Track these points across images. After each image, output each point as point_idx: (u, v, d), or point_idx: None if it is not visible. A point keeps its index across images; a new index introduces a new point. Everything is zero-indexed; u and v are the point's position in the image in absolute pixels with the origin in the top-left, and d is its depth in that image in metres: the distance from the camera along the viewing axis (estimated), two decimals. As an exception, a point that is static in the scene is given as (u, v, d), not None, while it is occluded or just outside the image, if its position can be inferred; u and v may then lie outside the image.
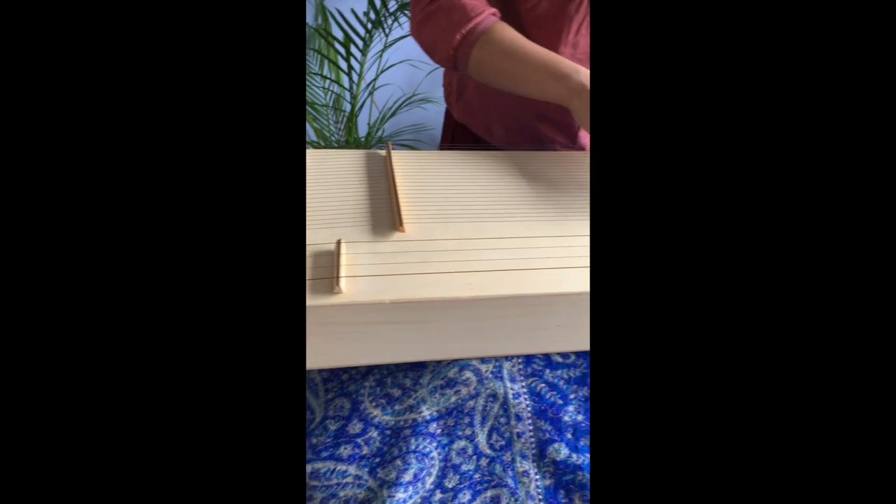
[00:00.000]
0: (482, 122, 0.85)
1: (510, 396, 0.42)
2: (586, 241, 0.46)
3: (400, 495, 0.37)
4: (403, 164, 0.55)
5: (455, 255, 0.43)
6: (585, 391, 0.44)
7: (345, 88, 1.54)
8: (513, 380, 0.43)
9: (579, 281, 0.41)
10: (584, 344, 0.44)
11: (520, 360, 0.44)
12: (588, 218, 0.50)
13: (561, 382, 0.44)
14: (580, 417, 0.43)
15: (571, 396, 0.44)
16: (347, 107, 1.58)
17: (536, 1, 0.69)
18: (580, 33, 0.71)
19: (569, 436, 0.41)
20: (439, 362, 0.44)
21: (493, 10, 0.61)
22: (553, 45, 0.72)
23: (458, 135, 0.91)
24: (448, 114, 0.93)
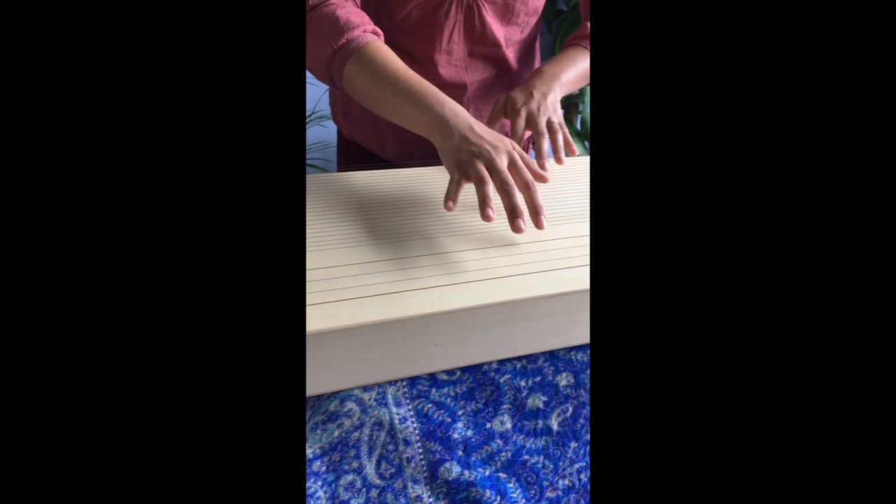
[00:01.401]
0: (373, 138, 0.85)
1: (396, 422, 0.42)
2: (463, 256, 0.46)
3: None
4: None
5: (325, 284, 0.42)
6: (473, 405, 0.44)
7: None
8: (398, 404, 0.43)
9: (455, 299, 0.41)
10: (466, 359, 0.44)
11: (404, 384, 0.44)
12: (465, 234, 0.50)
13: (448, 400, 0.44)
14: (470, 433, 0.43)
15: (460, 413, 0.44)
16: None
17: (407, 11, 0.69)
18: (453, 40, 0.72)
19: (459, 453, 0.41)
20: (318, 396, 0.42)
21: (373, 27, 0.59)
22: (428, 53, 0.73)
23: (352, 153, 0.90)
24: (339, 132, 0.92)
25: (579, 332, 0.47)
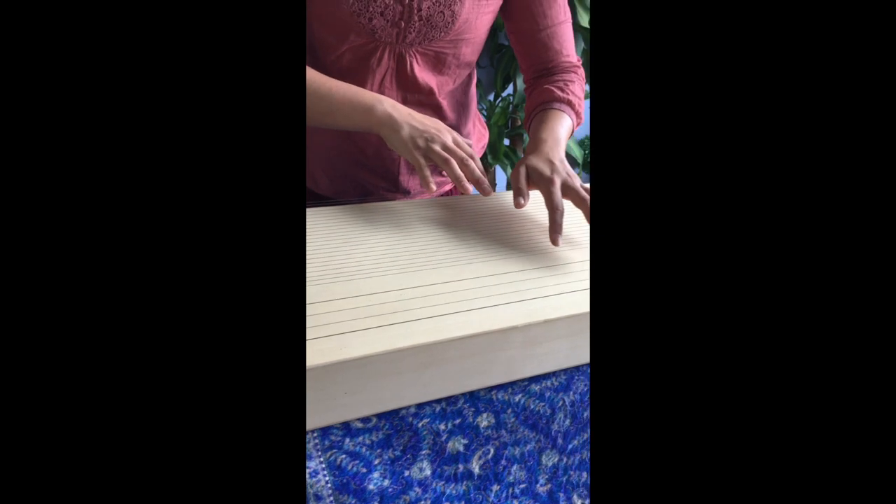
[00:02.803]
0: (306, 172, 0.84)
1: (307, 476, 0.40)
2: (375, 299, 0.46)
3: None
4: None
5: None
6: (390, 453, 0.43)
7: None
8: (309, 457, 0.41)
9: (361, 346, 0.40)
10: (382, 405, 0.43)
11: (315, 434, 0.42)
12: (376, 275, 0.49)
13: (363, 449, 0.42)
14: (387, 482, 0.41)
15: (376, 462, 0.42)
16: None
17: (340, 53, 0.70)
18: (385, 85, 0.73)
19: (374, 505, 0.40)
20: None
21: None
22: None
23: None
24: None
25: (499, 371, 0.46)
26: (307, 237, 0.57)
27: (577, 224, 0.64)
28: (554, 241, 0.56)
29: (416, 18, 0.67)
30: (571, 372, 0.50)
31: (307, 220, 0.61)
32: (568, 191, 0.60)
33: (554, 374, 0.49)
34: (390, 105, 0.63)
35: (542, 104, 0.75)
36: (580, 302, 0.48)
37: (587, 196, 0.60)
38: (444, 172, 0.64)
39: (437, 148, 0.61)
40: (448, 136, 0.62)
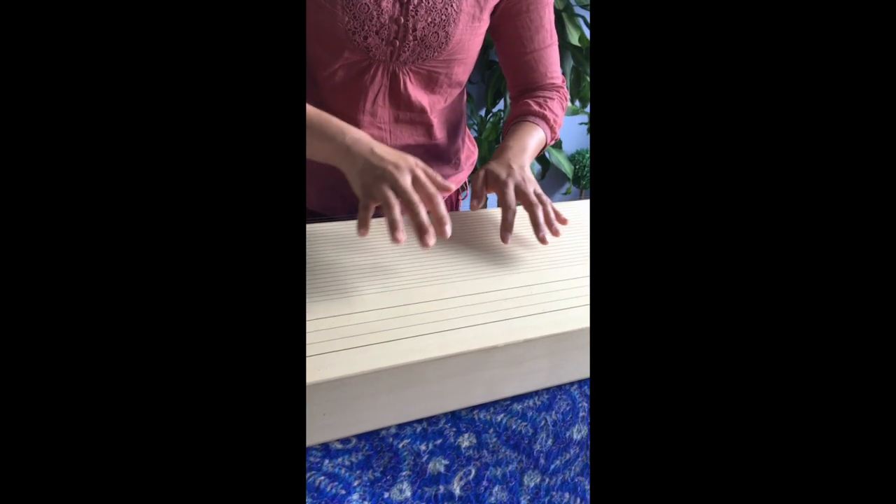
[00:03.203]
0: None
1: (284, 499, 0.40)
2: (352, 319, 0.46)
3: None
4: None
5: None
6: (370, 475, 0.42)
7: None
8: (286, 480, 0.41)
9: (340, 366, 0.40)
10: (362, 426, 0.43)
11: (293, 457, 0.42)
12: (355, 295, 0.49)
13: (342, 471, 0.42)
14: (365, 504, 0.41)
15: (355, 483, 0.42)
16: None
17: (333, 70, 0.70)
18: (377, 103, 0.74)
19: (352, 528, 0.39)
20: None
21: None
22: (352, 113, 0.73)
23: None
24: None
25: (480, 391, 0.46)
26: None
27: (526, 226, 0.64)
28: (504, 239, 0.59)
29: (410, 38, 0.68)
30: (553, 391, 0.50)
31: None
32: (519, 194, 0.63)
33: (536, 393, 0.49)
34: (353, 138, 0.58)
35: (517, 116, 0.78)
36: (561, 321, 0.48)
37: (536, 201, 0.62)
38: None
39: (384, 187, 0.53)
40: (406, 174, 0.54)
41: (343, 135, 0.58)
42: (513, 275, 0.55)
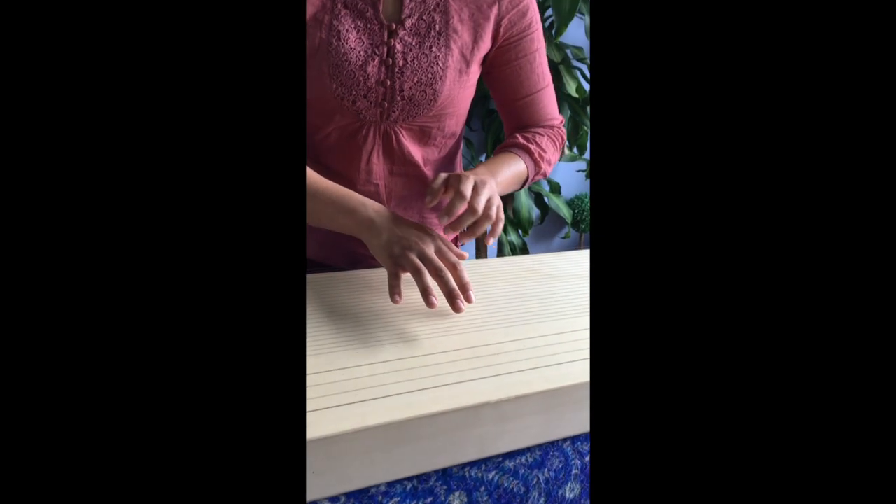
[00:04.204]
0: None
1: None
2: (339, 375, 0.46)
3: None
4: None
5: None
6: (359, 534, 0.42)
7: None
8: (273, 540, 0.40)
9: (329, 424, 0.40)
10: (351, 484, 0.43)
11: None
12: (354, 348, 0.50)
13: (331, 530, 0.41)
14: (353, 566, 0.40)
15: (343, 544, 0.41)
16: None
17: (327, 132, 0.72)
18: (372, 160, 0.75)
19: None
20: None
21: None
22: (348, 171, 0.75)
23: None
24: None
25: (472, 448, 0.46)
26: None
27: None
28: (440, 219, 0.60)
29: (398, 98, 0.70)
30: (546, 447, 0.49)
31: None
32: (474, 192, 0.61)
33: (528, 450, 0.48)
34: (374, 210, 0.62)
35: (502, 147, 0.80)
36: (554, 376, 0.48)
37: (481, 209, 0.61)
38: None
39: (412, 255, 0.57)
40: (430, 244, 0.59)
41: (365, 208, 0.62)
42: (506, 328, 0.56)
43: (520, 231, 2.04)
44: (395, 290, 0.56)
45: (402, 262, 0.57)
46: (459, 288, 0.57)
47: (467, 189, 0.60)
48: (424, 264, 0.57)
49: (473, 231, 0.62)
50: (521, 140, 0.78)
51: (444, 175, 0.65)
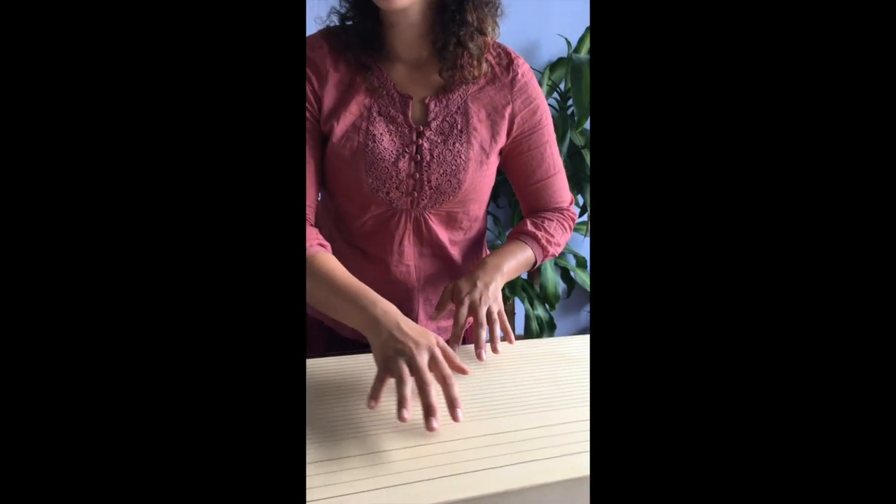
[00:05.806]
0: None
1: None
2: (356, 462, 0.46)
3: None
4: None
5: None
6: None
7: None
8: None
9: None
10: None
11: None
12: (370, 434, 0.50)
13: None
14: None
15: None
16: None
17: (363, 221, 0.79)
18: (403, 244, 0.82)
19: None
20: None
21: (320, 241, 0.73)
22: (382, 254, 0.82)
23: (311, 329, 0.93)
24: None
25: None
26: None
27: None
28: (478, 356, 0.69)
29: (427, 188, 0.78)
30: (570, 539, 0.48)
31: (307, 370, 0.63)
32: (471, 311, 0.72)
33: (551, 540, 0.48)
34: (383, 310, 0.62)
35: (512, 234, 0.87)
36: (578, 464, 0.48)
37: (482, 321, 0.71)
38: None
39: (401, 362, 0.55)
40: (425, 353, 0.56)
41: (374, 306, 0.62)
42: (528, 414, 0.56)
43: (546, 305, 2.04)
44: (374, 394, 0.54)
45: (391, 367, 0.55)
46: (447, 403, 0.54)
47: (463, 317, 0.72)
48: (412, 373, 0.54)
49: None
50: (530, 228, 0.85)
51: (449, 287, 0.77)
